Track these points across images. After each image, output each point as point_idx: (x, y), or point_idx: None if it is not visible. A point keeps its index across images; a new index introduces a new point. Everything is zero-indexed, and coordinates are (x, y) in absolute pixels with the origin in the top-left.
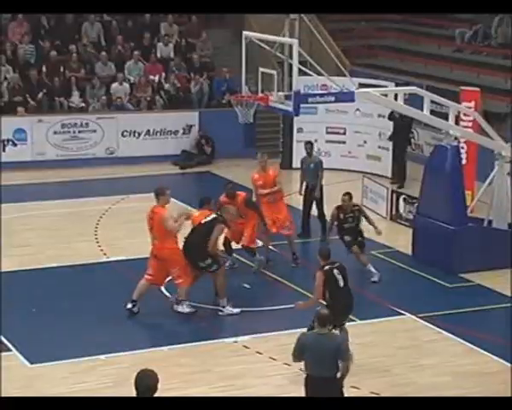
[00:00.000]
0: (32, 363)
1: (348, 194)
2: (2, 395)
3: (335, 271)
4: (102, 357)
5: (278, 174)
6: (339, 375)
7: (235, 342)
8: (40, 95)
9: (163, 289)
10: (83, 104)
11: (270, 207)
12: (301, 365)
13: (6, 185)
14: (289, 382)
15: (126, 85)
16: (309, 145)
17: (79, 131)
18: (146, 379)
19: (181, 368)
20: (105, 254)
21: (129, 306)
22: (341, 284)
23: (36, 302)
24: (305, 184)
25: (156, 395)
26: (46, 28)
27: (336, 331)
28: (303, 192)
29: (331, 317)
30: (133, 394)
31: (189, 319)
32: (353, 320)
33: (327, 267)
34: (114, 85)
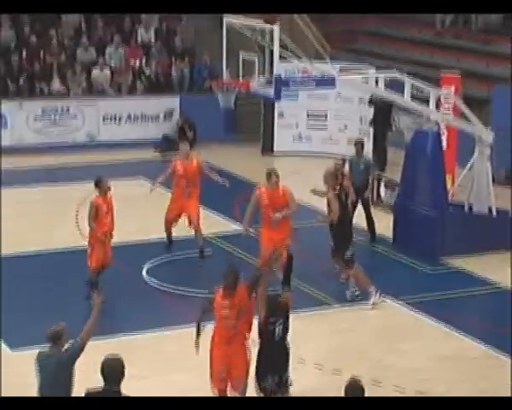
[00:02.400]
0: (12, 348)
1: (343, 160)
2: None
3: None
4: None
5: (202, 166)
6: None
7: None
8: (21, 80)
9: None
10: (63, 90)
11: (181, 201)
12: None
13: None
14: None
15: (107, 71)
16: (359, 145)
17: (60, 117)
18: (113, 366)
19: (161, 354)
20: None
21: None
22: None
23: (18, 288)
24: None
25: (136, 381)
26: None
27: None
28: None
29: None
30: None
31: (166, 304)
32: (333, 306)
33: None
34: (95, 71)
